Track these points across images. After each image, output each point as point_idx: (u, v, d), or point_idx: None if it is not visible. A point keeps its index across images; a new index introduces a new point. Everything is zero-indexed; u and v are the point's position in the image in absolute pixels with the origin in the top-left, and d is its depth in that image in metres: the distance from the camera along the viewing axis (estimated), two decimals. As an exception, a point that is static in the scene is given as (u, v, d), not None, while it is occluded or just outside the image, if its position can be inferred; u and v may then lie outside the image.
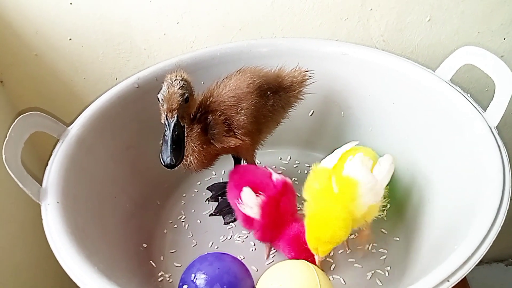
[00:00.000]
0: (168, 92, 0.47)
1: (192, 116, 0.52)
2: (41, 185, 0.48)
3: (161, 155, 0.47)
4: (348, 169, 0.50)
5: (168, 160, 0.46)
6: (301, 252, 0.51)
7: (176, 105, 0.47)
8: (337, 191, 0.49)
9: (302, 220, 0.51)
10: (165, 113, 0.48)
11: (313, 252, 0.49)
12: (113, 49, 0.68)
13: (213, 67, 0.62)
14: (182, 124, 0.48)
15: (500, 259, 1.01)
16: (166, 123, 0.47)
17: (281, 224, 0.53)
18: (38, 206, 0.47)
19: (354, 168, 0.50)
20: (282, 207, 0.52)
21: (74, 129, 0.54)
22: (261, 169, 0.56)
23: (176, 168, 0.47)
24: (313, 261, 0.50)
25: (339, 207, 0.48)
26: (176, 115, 0.47)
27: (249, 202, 0.52)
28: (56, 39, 0.67)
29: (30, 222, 0.69)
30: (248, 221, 0.54)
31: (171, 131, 0.47)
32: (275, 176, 0.54)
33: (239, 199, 0.53)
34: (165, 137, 0.47)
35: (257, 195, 0.52)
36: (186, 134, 0.52)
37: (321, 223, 0.48)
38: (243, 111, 0.54)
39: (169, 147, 0.47)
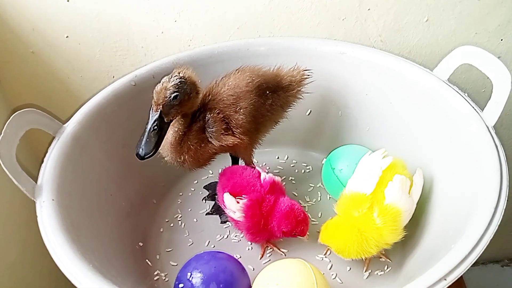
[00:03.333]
0: (162, 85, 0.48)
1: (191, 115, 0.52)
2: (36, 182, 0.48)
3: (137, 144, 0.48)
4: (390, 198, 0.49)
5: (137, 150, 0.48)
6: (296, 224, 0.51)
7: (161, 100, 0.48)
8: (380, 223, 0.48)
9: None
10: (151, 105, 0.48)
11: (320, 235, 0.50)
12: (110, 47, 0.68)
13: (211, 65, 0.62)
14: (167, 121, 0.49)
15: (496, 260, 1.01)
16: (149, 115, 0.48)
17: (270, 222, 0.52)
18: (33, 204, 0.46)
19: (396, 195, 0.49)
20: (268, 207, 0.52)
21: (70, 126, 0.53)
22: (249, 170, 0.55)
23: (147, 159, 0.48)
24: (304, 232, 0.51)
25: (376, 239, 0.48)
26: (159, 110, 0.48)
27: (231, 207, 0.52)
28: (53, 36, 0.67)
29: (25, 220, 0.68)
30: (236, 224, 0.54)
31: (150, 124, 0.48)
32: (263, 176, 0.54)
33: (223, 204, 0.53)
34: (145, 128, 0.48)
35: (239, 199, 0.52)
36: (183, 133, 0.52)
37: (347, 240, 0.49)
38: (242, 110, 0.53)
39: (144, 139, 0.48)
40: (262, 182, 0.53)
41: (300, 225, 0.51)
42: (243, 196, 0.52)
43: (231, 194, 0.53)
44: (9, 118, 0.47)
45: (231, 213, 0.53)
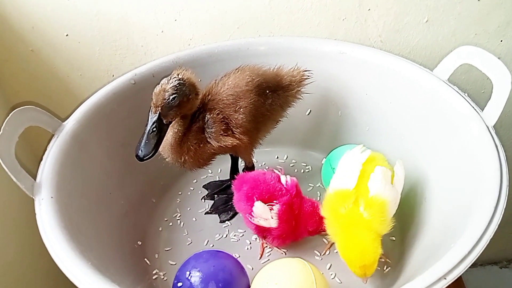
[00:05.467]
0: (161, 87, 0.48)
1: (191, 116, 0.52)
2: (35, 180, 0.47)
3: (136, 145, 0.49)
4: (374, 190, 0.49)
5: (137, 152, 0.48)
6: (320, 220, 0.52)
7: (160, 102, 0.48)
8: (368, 216, 0.48)
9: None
10: (150, 107, 0.48)
11: (362, 276, 0.48)
12: (110, 45, 0.68)
13: (211, 64, 0.62)
14: (166, 122, 0.49)
15: (495, 261, 1.01)
16: (149, 116, 0.48)
17: (297, 226, 0.52)
18: (31, 203, 0.46)
19: (379, 186, 0.49)
20: (297, 209, 0.52)
21: (69, 124, 0.53)
22: (268, 174, 0.54)
23: (146, 160, 0.48)
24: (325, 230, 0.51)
25: (370, 232, 0.47)
26: (158, 112, 0.48)
27: (264, 215, 0.51)
28: (53, 35, 0.66)
29: (23, 219, 0.68)
30: (263, 231, 0.53)
31: (149, 126, 0.48)
32: (284, 179, 0.53)
33: (251, 213, 0.52)
34: (144, 129, 0.48)
35: (271, 206, 0.51)
36: (182, 134, 0.52)
37: (359, 252, 0.47)
38: (241, 109, 0.53)
39: (143, 140, 0.48)
40: (285, 185, 0.53)
41: (323, 222, 0.51)
42: (274, 201, 0.51)
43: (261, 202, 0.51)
44: (8, 115, 0.47)
45: (261, 221, 0.52)
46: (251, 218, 0.52)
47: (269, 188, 0.52)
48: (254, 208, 0.51)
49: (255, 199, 0.52)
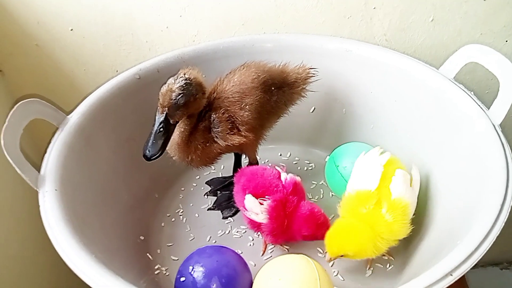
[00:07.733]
0: (167, 87, 0.48)
1: (197, 115, 0.52)
2: (39, 172, 0.47)
3: (144, 145, 0.48)
4: (396, 192, 0.49)
5: (144, 152, 0.48)
6: (316, 228, 0.50)
7: (167, 103, 0.47)
8: (390, 219, 0.48)
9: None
10: (157, 107, 0.48)
11: (327, 249, 0.49)
12: (115, 41, 0.68)
13: (216, 61, 0.62)
14: (173, 122, 0.49)
15: (496, 262, 1.01)
16: (156, 117, 0.48)
17: (291, 225, 0.51)
18: (34, 197, 0.46)
19: (401, 189, 0.49)
20: (291, 208, 0.51)
21: (74, 117, 0.53)
22: (269, 170, 0.54)
23: (154, 160, 0.48)
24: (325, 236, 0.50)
25: (391, 235, 0.48)
26: (165, 113, 0.48)
27: (254, 209, 0.51)
28: (58, 29, 0.66)
29: (26, 213, 0.68)
30: (255, 225, 0.53)
31: (156, 126, 0.48)
32: (284, 176, 0.53)
33: (243, 206, 0.52)
34: (151, 129, 0.48)
35: (263, 201, 0.51)
36: (189, 133, 0.52)
37: (357, 240, 0.48)
38: (247, 106, 0.53)
39: (150, 140, 0.48)
40: (284, 182, 0.52)
41: (321, 229, 0.50)
42: (266, 197, 0.51)
43: (253, 196, 0.51)
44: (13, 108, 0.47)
45: (253, 216, 0.51)
46: (244, 211, 0.52)
47: (264, 183, 0.52)
48: (245, 201, 0.51)
49: (247, 192, 0.52)
